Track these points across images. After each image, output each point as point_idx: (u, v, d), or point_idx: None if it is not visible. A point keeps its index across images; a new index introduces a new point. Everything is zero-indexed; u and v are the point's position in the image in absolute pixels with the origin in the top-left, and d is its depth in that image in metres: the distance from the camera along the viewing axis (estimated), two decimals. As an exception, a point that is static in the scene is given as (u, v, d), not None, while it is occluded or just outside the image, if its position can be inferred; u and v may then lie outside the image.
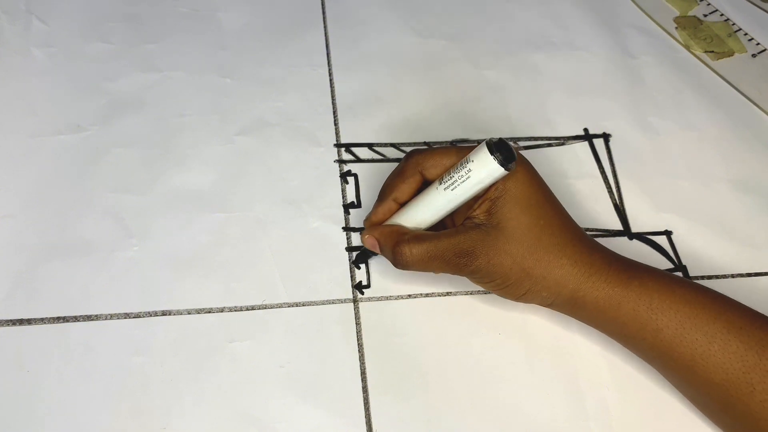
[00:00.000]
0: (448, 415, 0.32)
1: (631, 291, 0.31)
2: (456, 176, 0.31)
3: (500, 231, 0.31)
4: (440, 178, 0.32)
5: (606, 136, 0.42)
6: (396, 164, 0.40)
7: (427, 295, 0.36)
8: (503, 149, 0.30)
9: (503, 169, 0.29)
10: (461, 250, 0.31)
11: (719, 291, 0.31)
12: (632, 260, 0.32)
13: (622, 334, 0.32)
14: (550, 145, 0.41)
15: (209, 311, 0.34)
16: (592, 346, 0.35)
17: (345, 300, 0.35)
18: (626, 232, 0.39)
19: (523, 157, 0.32)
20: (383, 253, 0.33)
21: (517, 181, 0.31)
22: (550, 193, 0.32)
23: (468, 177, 0.30)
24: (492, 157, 0.29)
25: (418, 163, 0.33)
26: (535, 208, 0.31)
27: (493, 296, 0.36)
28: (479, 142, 0.30)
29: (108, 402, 0.32)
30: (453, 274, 0.32)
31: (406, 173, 0.33)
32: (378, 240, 0.33)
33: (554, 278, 0.31)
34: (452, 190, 0.31)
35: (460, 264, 0.31)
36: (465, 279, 0.36)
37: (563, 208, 0.33)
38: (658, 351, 0.31)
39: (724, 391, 0.29)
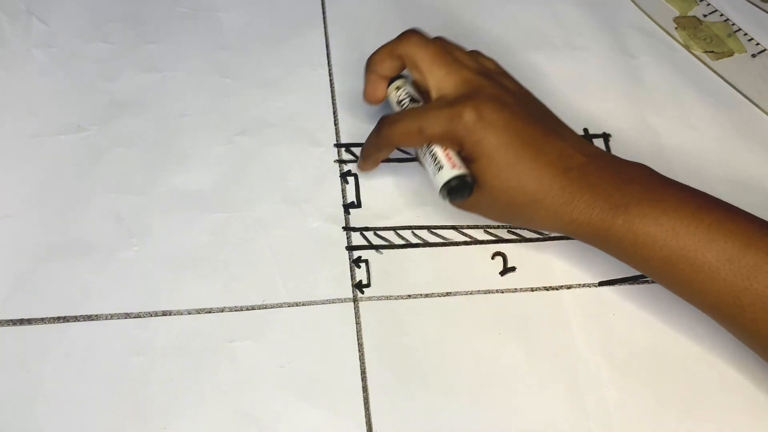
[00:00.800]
0: (448, 415, 0.32)
1: (615, 229, 0.31)
2: (421, 156, 0.34)
3: (480, 187, 0.32)
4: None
5: (606, 136, 0.42)
6: (397, 164, 0.40)
7: (427, 295, 0.36)
8: (460, 186, 0.32)
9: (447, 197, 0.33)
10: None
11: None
12: (634, 178, 0.32)
13: (618, 258, 0.33)
14: (550, 145, 0.41)
15: (209, 311, 0.34)
16: (592, 346, 0.35)
17: (345, 300, 0.35)
18: (626, 232, 0.39)
19: (491, 111, 0.31)
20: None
21: (488, 143, 0.31)
22: (525, 142, 0.31)
23: (430, 156, 0.33)
24: (442, 192, 0.33)
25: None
26: (509, 168, 0.31)
27: (493, 296, 0.36)
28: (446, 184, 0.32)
29: (108, 402, 0.32)
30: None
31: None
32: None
33: (539, 224, 0.33)
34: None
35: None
36: (466, 279, 0.36)
37: (546, 151, 0.32)
38: (652, 276, 0.32)
39: (716, 314, 0.31)
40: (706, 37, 0.47)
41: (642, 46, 0.46)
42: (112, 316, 0.34)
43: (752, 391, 0.34)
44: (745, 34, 0.47)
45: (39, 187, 0.37)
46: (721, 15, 0.48)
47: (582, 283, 0.36)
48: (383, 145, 0.35)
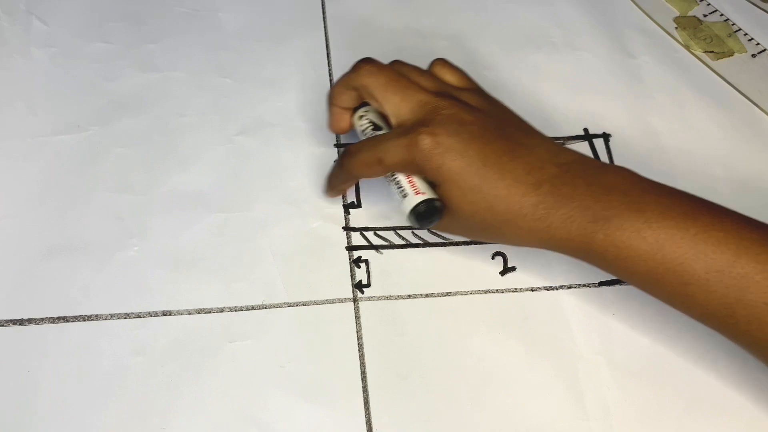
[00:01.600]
0: (448, 415, 0.32)
1: (596, 245, 0.30)
2: (387, 183, 0.33)
3: (449, 212, 0.32)
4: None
5: (606, 136, 0.42)
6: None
7: (427, 295, 0.36)
8: (428, 211, 0.32)
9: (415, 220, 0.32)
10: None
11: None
12: (611, 188, 0.30)
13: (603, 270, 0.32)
14: (550, 145, 0.41)
15: (209, 311, 0.34)
16: (592, 346, 0.35)
17: (345, 300, 0.35)
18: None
19: (447, 136, 0.31)
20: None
21: (448, 170, 0.30)
22: (487, 164, 0.30)
23: (395, 182, 0.33)
24: (410, 218, 0.32)
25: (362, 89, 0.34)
26: (473, 191, 0.30)
27: (494, 296, 0.36)
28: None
29: (108, 402, 0.32)
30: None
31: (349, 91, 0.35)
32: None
33: (515, 242, 0.32)
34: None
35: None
36: (466, 279, 0.36)
37: (510, 169, 0.30)
38: (639, 287, 0.31)
39: (709, 324, 0.30)
40: (706, 37, 0.47)
41: (642, 46, 0.46)
42: (112, 316, 0.34)
43: (752, 390, 0.34)
44: (745, 34, 0.47)
45: (39, 187, 0.37)
46: (721, 15, 0.48)
47: (582, 283, 0.36)
48: (346, 177, 0.35)
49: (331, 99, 0.36)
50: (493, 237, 0.33)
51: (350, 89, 0.34)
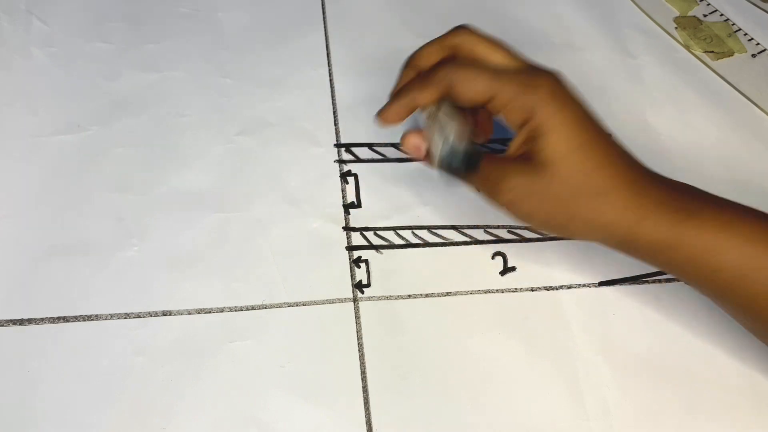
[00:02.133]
0: (448, 415, 0.32)
1: (686, 232, 0.29)
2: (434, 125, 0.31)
3: (541, 170, 0.29)
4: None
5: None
6: (397, 164, 0.40)
7: (427, 295, 0.36)
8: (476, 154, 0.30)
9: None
10: (495, 182, 0.31)
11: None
12: (691, 190, 0.31)
13: (680, 273, 0.31)
14: (550, 145, 0.41)
15: (209, 311, 0.34)
16: (592, 346, 0.35)
17: (345, 299, 0.35)
18: (626, 232, 0.39)
19: (568, 90, 0.30)
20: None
21: (564, 118, 0.29)
22: (600, 132, 0.30)
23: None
24: (458, 155, 0.30)
25: (448, 77, 0.31)
26: (583, 149, 0.29)
27: (494, 296, 0.36)
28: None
29: (108, 402, 0.32)
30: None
31: (432, 81, 0.31)
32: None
33: (602, 223, 0.30)
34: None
35: (493, 194, 0.31)
36: (466, 279, 0.36)
37: (615, 146, 0.31)
38: (718, 290, 0.30)
39: None
40: (706, 37, 0.47)
41: (642, 46, 0.46)
42: (112, 316, 0.34)
43: (752, 390, 0.34)
44: (745, 34, 0.47)
45: (39, 187, 0.37)
46: (721, 15, 0.48)
47: (582, 283, 0.36)
48: (433, 82, 0.31)
49: (413, 60, 0.33)
50: (571, 214, 0.30)
51: (444, 49, 0.32)
